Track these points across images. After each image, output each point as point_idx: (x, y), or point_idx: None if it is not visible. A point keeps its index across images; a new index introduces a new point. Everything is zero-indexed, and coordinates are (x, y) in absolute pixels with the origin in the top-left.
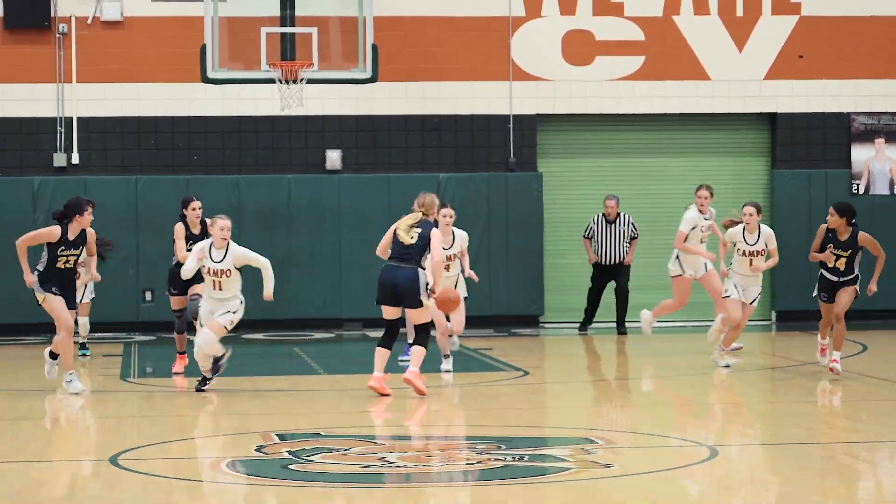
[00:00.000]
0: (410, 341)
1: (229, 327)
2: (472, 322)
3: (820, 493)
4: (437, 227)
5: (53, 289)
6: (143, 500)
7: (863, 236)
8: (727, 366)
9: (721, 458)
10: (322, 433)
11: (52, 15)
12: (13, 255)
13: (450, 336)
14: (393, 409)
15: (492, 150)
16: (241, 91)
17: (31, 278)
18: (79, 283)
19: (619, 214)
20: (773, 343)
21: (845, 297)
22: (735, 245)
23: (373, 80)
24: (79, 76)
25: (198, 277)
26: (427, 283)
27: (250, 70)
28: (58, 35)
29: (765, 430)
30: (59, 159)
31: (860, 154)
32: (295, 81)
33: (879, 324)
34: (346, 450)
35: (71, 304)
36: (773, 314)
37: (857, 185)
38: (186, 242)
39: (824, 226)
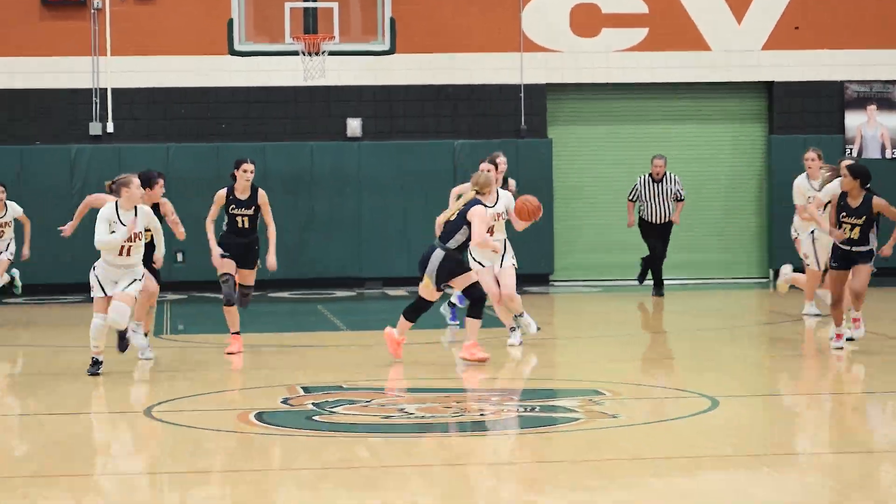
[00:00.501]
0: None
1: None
2: None
3: (820, 442)
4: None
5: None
6: (176, 449)
7: (877, 202)
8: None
9: (721, 409)
10: (344, 386)
11: None
12: (54, 218)
13: (520, 316)
14: (410, 364)
15: (504, 119)
16: (265, 63)
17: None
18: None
19: (665, 174)
20: (771, 300)
21: (861, 278)
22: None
23: (391, 51)
24: (113, 49)
25: (233, 250)
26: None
27: (275, 43)
28: (93, 10)
29: (765, 382)
30: (95, 128)
31: (853, 120)
32: (317, 53)
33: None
34: (367, 402)
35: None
36: (771, 272)
37: (850, 149)
38: (230, 206)
39: (836, 194)
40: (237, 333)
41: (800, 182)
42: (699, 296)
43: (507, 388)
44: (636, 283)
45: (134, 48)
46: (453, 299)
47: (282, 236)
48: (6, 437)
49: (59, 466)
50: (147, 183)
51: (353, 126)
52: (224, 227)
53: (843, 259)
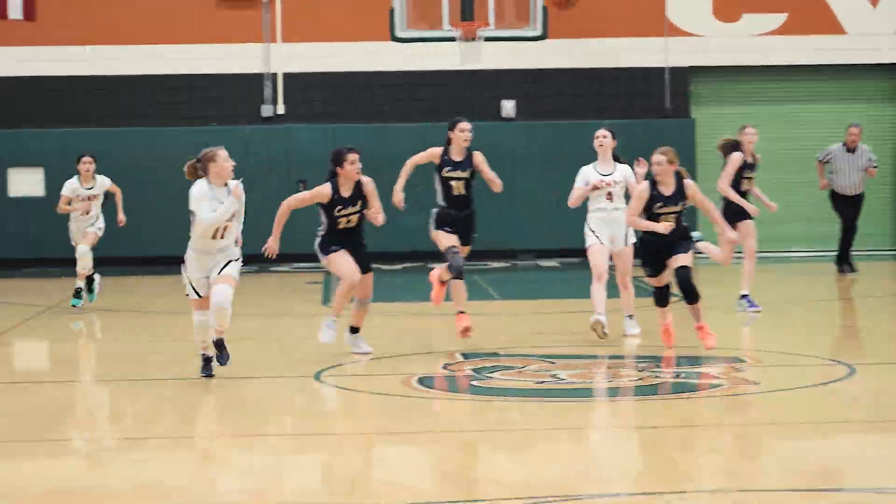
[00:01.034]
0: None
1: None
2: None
3: None
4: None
5: (334, 247)
6: (345, 411)
7: None
8: None
9: (859, 376)
10: (500, 353)
11: None
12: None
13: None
14: (562, 332)
15: (649, 99)
16: (425, 48)
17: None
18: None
19: (858, 145)
20: None
21: None
22: None
23: (542, 37)
24: (283, 36)
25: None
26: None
27: (433, 29)
28: (264, 0)
29: None
30: (267, 110)
31: None
32: (473, 39)
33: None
34: (521, 367)
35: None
36: None
37: None
38: (444, 169)
39: None
40: (463, 313)
41: None
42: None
43: (652, 354)
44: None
45: (302, 35)
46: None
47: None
48: (194, 398)
49: (248, 426)
50: (337, 161)
51: (508, 107)
52: (440, 201)
53: None
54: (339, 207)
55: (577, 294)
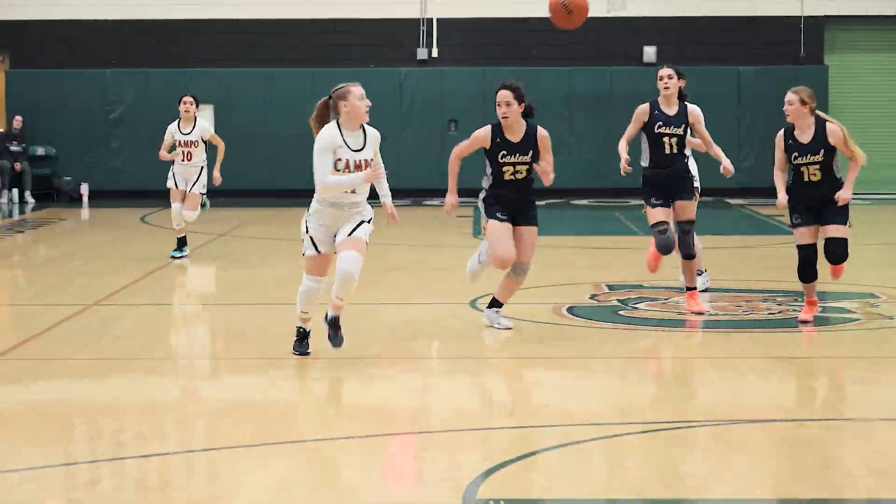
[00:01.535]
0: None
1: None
2: (770, 193)
3: None
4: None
5: (498, 213)
6: (498, 337)
7: None
8: None
9: None
10: (645, 285)
11: None
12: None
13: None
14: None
15: (784, 47)
16: None
17: (454, 200)
18: None
19: None
20: None
21: None
22: None
23: None
24: None
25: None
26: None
27: None
28: None
29: None
30: (422, 53)
31: None
32: None
33: None
34: (665, 299)
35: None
36: None
37: None
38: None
39: None
40: (692, 289)
41: None
42: None
43: (791, 289)
44: None
45: None
46: None
47: (583, 151)
48: (356, 322)
49: (397, 349)
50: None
51: (649, 53)
52: (648, 159)
53: None
54: (504, 153)
55: (711, 230)
